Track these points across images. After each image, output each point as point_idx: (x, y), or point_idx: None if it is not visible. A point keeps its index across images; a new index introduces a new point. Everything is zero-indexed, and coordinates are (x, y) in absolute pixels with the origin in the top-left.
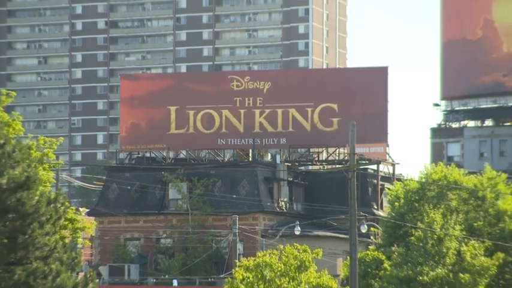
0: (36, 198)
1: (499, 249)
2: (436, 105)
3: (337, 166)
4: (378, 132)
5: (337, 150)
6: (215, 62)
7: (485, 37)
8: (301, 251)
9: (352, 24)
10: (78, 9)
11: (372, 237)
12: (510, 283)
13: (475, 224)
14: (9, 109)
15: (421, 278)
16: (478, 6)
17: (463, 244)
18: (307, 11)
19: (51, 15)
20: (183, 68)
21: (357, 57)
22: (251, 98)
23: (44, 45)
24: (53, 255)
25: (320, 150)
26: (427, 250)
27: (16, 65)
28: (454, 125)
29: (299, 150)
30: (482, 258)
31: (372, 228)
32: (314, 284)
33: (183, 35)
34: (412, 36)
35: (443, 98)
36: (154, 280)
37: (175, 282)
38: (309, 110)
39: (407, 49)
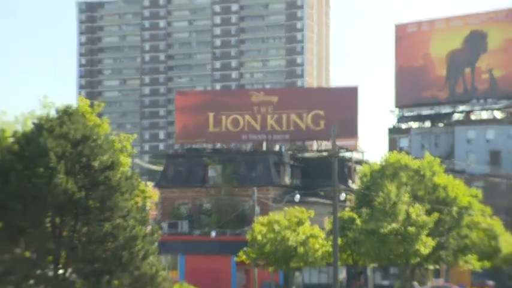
0: (118, 175)
1: (435, 210)
2: (392, 111)
3: (323, 153)
4: (351, 130)
5: (324, 142)
6: (240, 82)
7: (425, 65)
8: (299, 212)
9: (334, 56)
10: (146, 47)
11: (347, 202)
12: (442, 233)
13: (418, 193)
14: (99, 115)
15: (381, 230)
16: (420, 44)
17: (410, 207)
18: (302, 47)
19: (128, 51)
20: (218, 86)
21: (337, 78)
22: (265, 107)
23: (123, 71)
24: (130, 215)
25: (312, 142)
26: (386, 211)
27: (104, 85)
28: (404, 126)
29: (297, 142)
30: (424, 216)
31: (347, 196)
32: (308, 234)
33: (217, 64)
34: (376, 63)
35: (396, 107)
36: (199, 232)
37: (213, 233)
38: (304, 115)
39: (373, 72)
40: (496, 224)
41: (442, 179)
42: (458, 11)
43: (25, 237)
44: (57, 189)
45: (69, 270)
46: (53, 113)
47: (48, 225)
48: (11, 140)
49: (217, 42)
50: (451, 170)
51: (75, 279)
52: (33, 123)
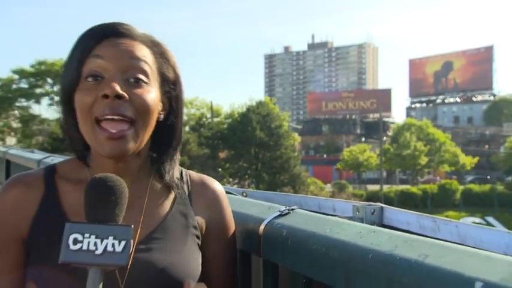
0: (282, 130)
1: (428, 144)
2: (407, 99)
3: (375, 119)
4: (388, 108)
5: (375, 114)
6: (336, 88)
7: (423, 77)
8: (364, 145)
9: (380, 74)
10: (294, 73)
11: (386, 141)
12: (432, 154)
13: (420, 136)
14: (274, 104)
15: (402, 153)
16: (420, 68)
17: (416, 142)
18: (365, 70)
19: (285, 75)
20: (327, 90)
21: (382, 85)
22: (348, 98)
23: (284, 85)
24: (288, 147)
25: (369, 114)
26: (405, 144)
27: (276, 91)
28: (413, 106)
29: (363, 114)
30: (423, 147)
31: (386, 138)
32: (368, 155)
33: (326, 79)
34: (402, 76)
35: (410, 96)
36: (318, 155)
37: (325, 155)
38: (366, 101)
39: (398, 81)
40: (457, 150)
41: (432, 130)
42: (440, 50)
43: (243, 158)
44: (256, 137)
45: (262, 171)
46: (253, 104)
47: (253, 152)
48: (236, 115)
49: (326, 70)
50: (436, 126)
51: (264, 175)
52: (246, 108)
